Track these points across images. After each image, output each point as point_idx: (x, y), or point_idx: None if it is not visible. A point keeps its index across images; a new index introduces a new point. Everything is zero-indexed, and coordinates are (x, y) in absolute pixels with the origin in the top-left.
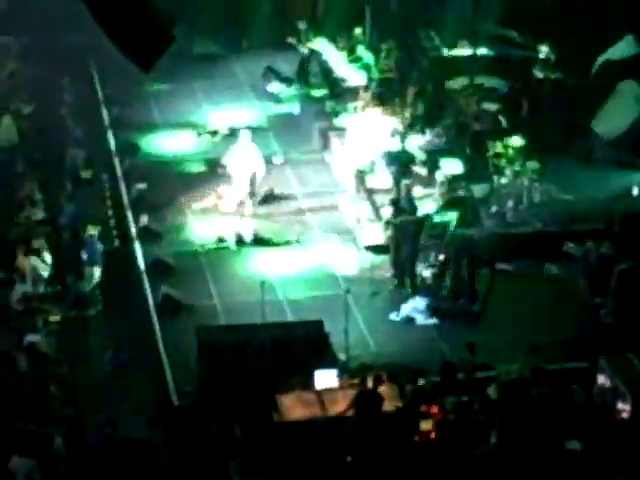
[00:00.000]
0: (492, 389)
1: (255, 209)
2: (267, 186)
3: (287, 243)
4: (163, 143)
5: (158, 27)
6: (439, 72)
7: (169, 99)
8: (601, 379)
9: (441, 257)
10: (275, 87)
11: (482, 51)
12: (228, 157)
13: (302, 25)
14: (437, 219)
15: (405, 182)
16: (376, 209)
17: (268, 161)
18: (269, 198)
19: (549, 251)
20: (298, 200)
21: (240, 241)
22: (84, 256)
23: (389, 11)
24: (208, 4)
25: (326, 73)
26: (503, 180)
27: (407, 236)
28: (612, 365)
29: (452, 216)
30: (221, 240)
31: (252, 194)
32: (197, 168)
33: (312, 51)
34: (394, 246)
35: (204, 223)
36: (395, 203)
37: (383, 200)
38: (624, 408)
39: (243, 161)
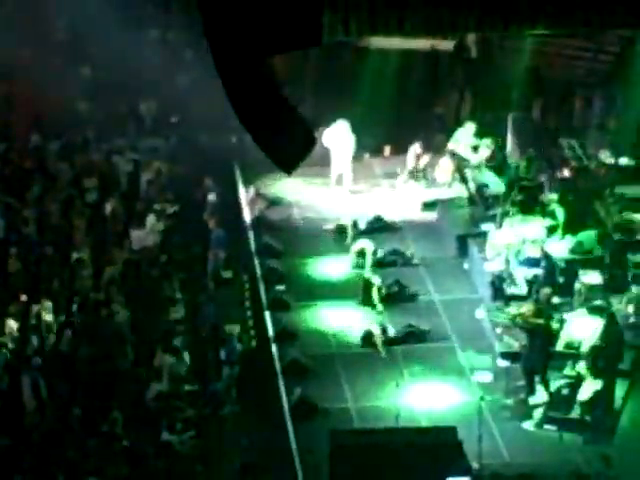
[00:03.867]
0: None
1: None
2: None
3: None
4: (304, 244)
5: (302, 132)
6: (581, 181)
7: (309, 201)
8: None
9: (577, 366)
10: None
11: (624, 161)
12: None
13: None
14: (574, 328)
15: (544, 290)
16: (513, 317)
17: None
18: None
19: None
20: (433, 300)
21: (388, 341)
22: (222, 355)
23: (531, 119)
24: (351, 108)
25: (465, 179)
26: None
27: (539, 343)
28: None
29: (589, 325)
30: (369, 336)
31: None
32: (336, 269)
33: (453, 154)
34: (526, 353)
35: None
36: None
37: (520, 307)
38: None
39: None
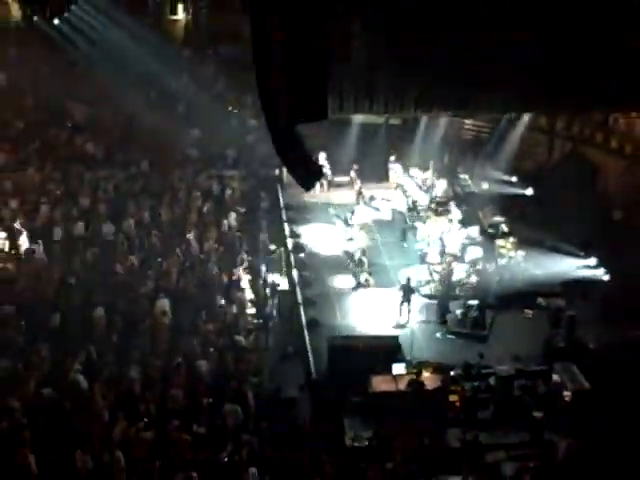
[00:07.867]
0: (492, 380)
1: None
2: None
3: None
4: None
5: (315, 169)
6: (470, 200)
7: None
8: (555, 377)
9: (469, 302)
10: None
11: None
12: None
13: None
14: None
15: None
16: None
17: None
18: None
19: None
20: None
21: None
22: (269, 292)
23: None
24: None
25: (407, 197)
26: None
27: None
28: (561, 369)
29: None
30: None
31: None
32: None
33: (398, 185)
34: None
35: None
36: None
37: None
38: (567, 394)
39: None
